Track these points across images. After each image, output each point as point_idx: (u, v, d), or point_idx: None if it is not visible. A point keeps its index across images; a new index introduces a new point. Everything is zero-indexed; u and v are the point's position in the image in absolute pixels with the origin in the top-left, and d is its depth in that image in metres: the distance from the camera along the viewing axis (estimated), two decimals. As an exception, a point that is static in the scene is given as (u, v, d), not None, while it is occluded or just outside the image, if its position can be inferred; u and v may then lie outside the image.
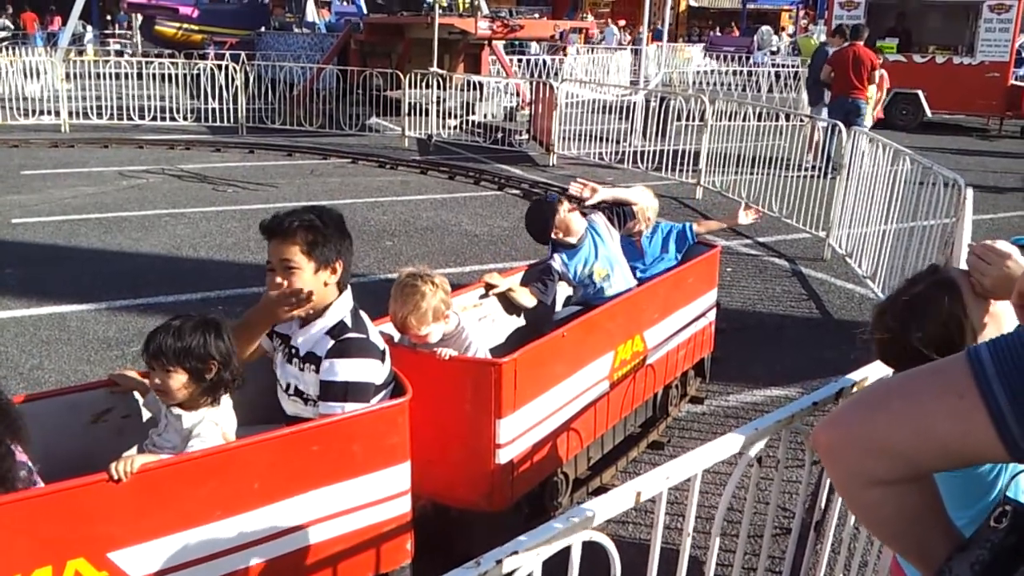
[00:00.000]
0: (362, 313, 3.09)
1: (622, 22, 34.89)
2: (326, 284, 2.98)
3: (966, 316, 1.92)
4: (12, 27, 29.72)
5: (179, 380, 2.76)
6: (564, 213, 4.46)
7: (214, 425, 2.81)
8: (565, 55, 23.51)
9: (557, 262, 4.50)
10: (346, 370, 2.89)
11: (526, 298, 4.44)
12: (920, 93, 17.35)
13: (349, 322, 2.99)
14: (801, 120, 12.08)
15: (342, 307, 3.03)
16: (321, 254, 2.95)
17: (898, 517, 1.23)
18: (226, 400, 2.89)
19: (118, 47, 28.72)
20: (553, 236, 4.52)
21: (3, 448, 2.41)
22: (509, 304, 4.48)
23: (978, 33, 17.69)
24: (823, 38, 19.06)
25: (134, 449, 2.97)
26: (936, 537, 1.25)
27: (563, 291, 4.81)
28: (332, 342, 2.93)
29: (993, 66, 17.56)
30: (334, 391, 2.89)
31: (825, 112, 12.63)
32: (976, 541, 1.18)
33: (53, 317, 6.33)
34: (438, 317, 3.49)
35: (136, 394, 3.10)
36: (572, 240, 4.51)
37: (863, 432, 1.17)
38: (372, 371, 2.94)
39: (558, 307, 4.79)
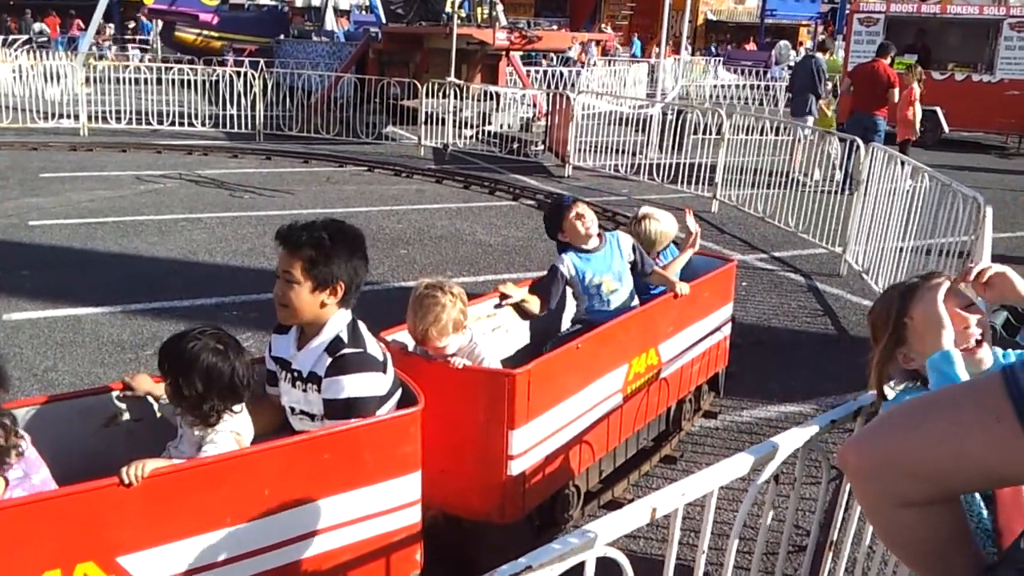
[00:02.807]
0: (360, 325, 3.04)
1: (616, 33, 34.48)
2: (323, 304, 2.94)
3: (896, 322, 2.08)
4: (36, 31, 29.95)
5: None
6: (572, 217, 4.34)
7: (229, 432, 2.80)
8: (583, 66, 23.51)
9: (564, 263, 4.34)
10: (347, 386, 2.87)
11: (535, 305, 4.39)
12: (938, 110, 17.25)
13: (345, 337, 2.94)
14: (817, 135, 12.01)
15: (338, 322, 2.97)
16: (320, 274, 2.90)
17: (926, 539, 1.20)
18: (243, 413, 2.88)
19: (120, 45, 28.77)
20: (560, 238, 4.43)
21: None
22: (522, 312, 4.41)
23: (998, 51, 17.58)
24: (841, 54, 19.05)
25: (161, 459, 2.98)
26: (961, 559, 1.22)
27: (569, 308, 4.75)
28: (330, 359, 2.90)
29: (1013, 84, 17.44)
30: (337, 409, 2.88)
31: (811, 121, 12.64)
32: (1005, 564, 1.15)
33: (68, 319, 6.35)
34: (457, 328, 3.47)
35: (149, 398, 3.10)
36: (586, 245, 4.40)
37: (894, 455, 1.13)
38: (373, 384, 2.92)
39: (564, 324, 4.74)
